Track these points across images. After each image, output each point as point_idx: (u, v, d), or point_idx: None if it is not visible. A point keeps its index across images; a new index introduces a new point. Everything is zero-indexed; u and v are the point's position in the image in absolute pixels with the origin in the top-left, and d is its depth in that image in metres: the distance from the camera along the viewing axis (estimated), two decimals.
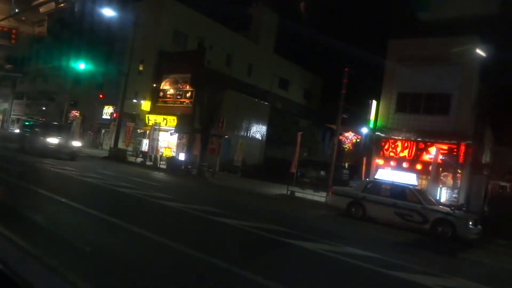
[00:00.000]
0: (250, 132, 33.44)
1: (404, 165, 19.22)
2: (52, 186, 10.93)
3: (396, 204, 12.74)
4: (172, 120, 29.04)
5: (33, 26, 15.91)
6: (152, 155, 26.10)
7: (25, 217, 6.80)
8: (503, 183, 21.02)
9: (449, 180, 18.61)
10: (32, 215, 7.07)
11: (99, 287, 4.14)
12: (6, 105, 54.34)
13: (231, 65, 35.20)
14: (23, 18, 15.25)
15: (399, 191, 13.22)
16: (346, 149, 25.75)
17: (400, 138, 19.68)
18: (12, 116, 53.77)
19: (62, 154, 18.94)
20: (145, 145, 30.58)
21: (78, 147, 20.97)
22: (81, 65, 28.23)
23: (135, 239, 6.36)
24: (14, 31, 15.51)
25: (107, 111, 37.07)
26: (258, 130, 34.28)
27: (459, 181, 18.28)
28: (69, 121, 36.08)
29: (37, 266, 1.45)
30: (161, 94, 31.56)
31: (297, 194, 18.03)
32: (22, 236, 4.76)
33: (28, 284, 1.25)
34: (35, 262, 1.47)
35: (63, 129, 22.60)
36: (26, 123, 27.61)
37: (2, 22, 15.93)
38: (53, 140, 19.12)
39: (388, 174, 15.57)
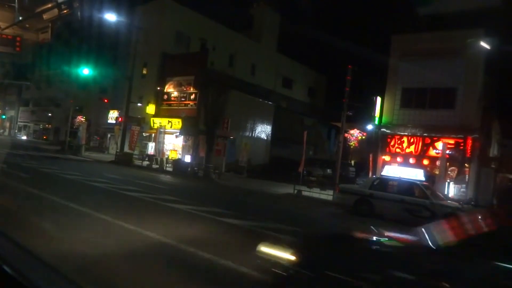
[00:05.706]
0: (255, 132, 33.45)
1: (411, 161, 19.12)
2: (61, 191, 10.99)
3: (404, 200, 12.67)
4: (177, 123, 29.13)
5: (37, 33, 15.96)
6: (158, 158, 26.20)
7: (36, 225, 6.86)
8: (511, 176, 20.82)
9: (457, 174, 18.48)
10: (41, 220, 7.14)
11: None
12: (12, 112, 54.84)
13: (234, 66, 35.22)
14: (27, 25, 15.30)
15: (406, 187, 13.15)
16: (351, 147, 25.71)
17: (406, 134, 19.58)
18: (18, 123, 54.25)
19: None
20: (151, 148, 30.68)
21: None
22: (85, 71, 28.38)
23: (144, 241, 6.40)
24: (18, 38, 15.58)
25: (112, 115, 37.28)
26: (263, 130, 34.26)
27: (467, 176, 18.15)
28: (75, 127, 36.36)
29: (43, 268, 1.45)
30: (165, 97, 31.68)
31: (304, 193, 17.99)
32: (33, 242, 4.80)
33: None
34: (42, 265, 1.47)
35: None
36: None
37: (7, 30, 16.04)
38: None
39: (394, 170, 15.48)
